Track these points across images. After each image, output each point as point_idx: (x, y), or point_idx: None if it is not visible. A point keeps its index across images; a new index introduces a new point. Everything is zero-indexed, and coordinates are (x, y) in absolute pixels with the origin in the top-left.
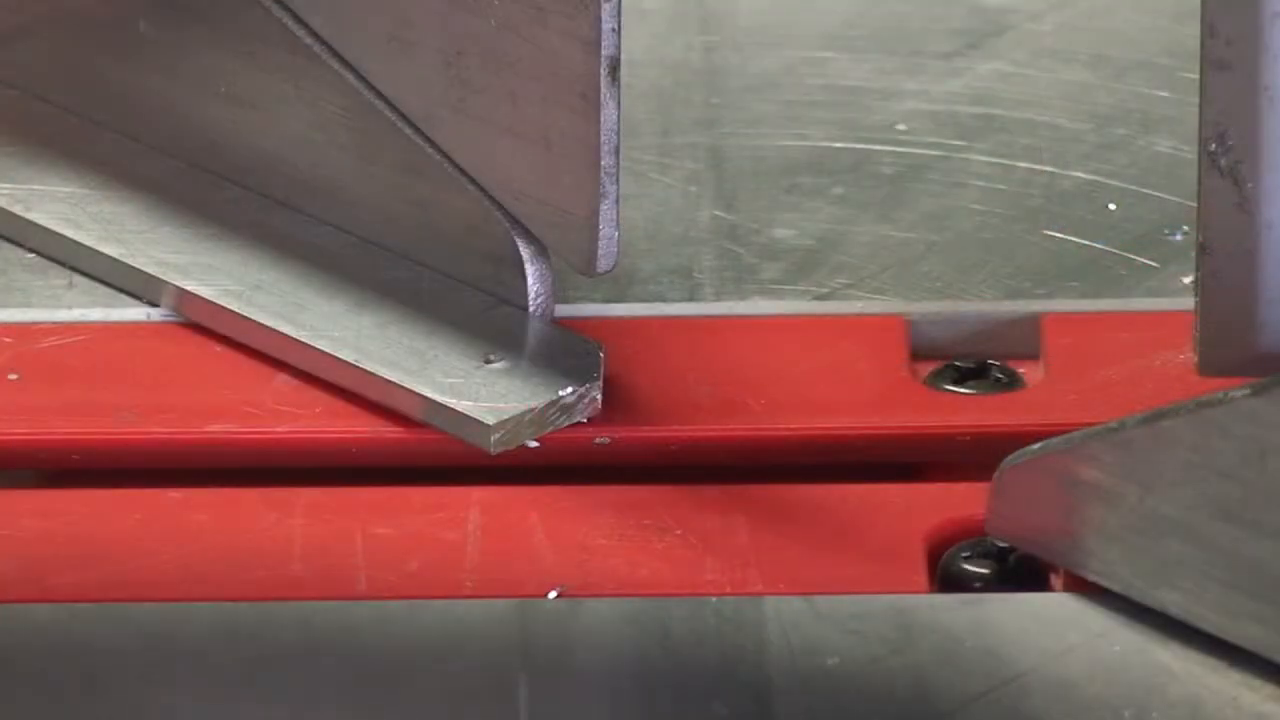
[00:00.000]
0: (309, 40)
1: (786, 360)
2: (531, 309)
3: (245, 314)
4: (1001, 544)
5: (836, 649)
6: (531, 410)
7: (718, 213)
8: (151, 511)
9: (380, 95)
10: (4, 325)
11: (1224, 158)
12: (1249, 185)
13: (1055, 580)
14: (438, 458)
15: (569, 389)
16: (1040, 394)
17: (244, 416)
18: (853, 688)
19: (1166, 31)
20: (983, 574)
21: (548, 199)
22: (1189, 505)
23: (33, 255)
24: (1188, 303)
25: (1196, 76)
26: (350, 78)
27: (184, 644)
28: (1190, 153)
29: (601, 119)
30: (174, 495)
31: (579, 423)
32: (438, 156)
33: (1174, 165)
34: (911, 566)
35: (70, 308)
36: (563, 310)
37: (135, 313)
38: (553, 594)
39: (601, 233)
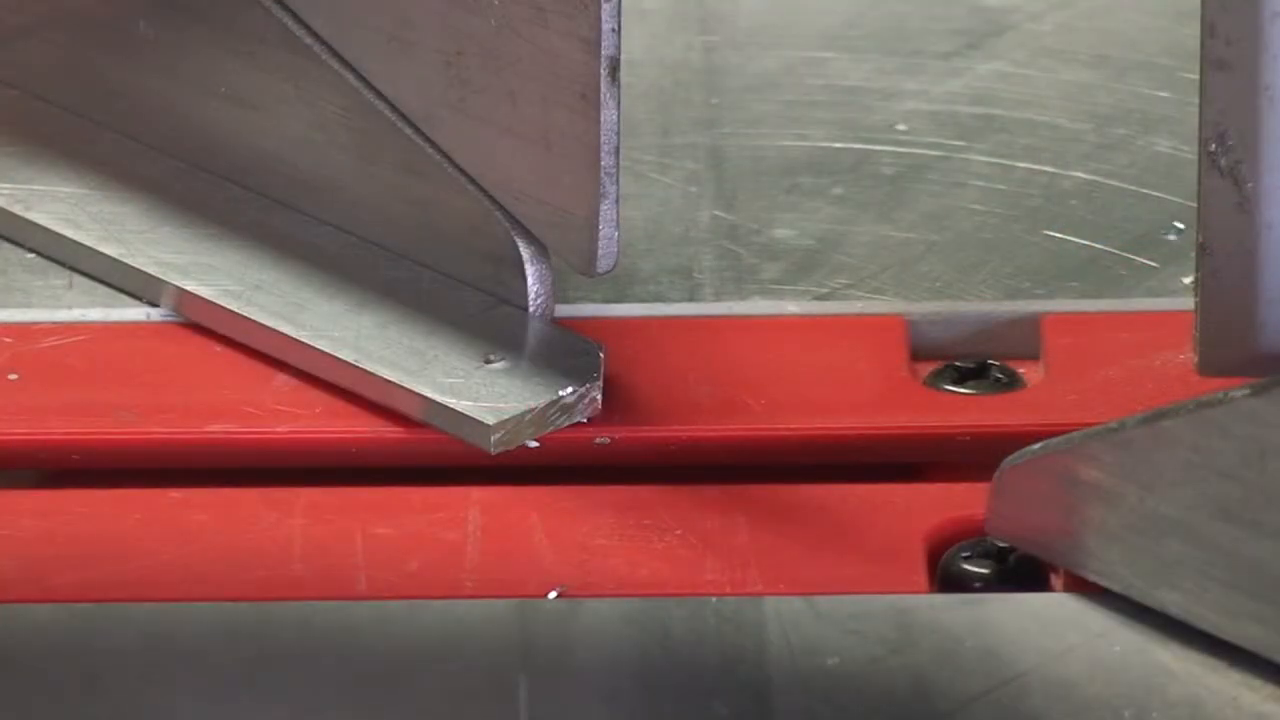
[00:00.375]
0: (309, 40)
1: (786, 360)
2: (531, 309)
3: (245, 314)
4: (1001, 544)
5: (836, 649)
6: (531, 410)
7: (718, 213)
8: (151, 511)
9: (380, 95)
10: (4, 325)
11: (1224, 158)
12: (1249, 185)
13: (1055, 580)
14: (438, 458)
15: (569, 389)
16: (1040, 394)
17: (244, 416)
18: (853, 688)
19: (1166, 31)
20: (983, 574)
21: (548, 199)
22: (1189, 505)
23: (33, 255)
24: (1188, 303)
25: (1196, 76)
26: (350, 78)
27: (184, 644)
28: (1190, 153)
29: (601, 119)
30: (174, 495)
31: (579, 423)
32: (438, 156)
33: (1174, 165)
34: (911, 566)
35: (70, 308)
36: (563, 310)
37: (135, 313)
38: (553, 594)
39: (601, 233)
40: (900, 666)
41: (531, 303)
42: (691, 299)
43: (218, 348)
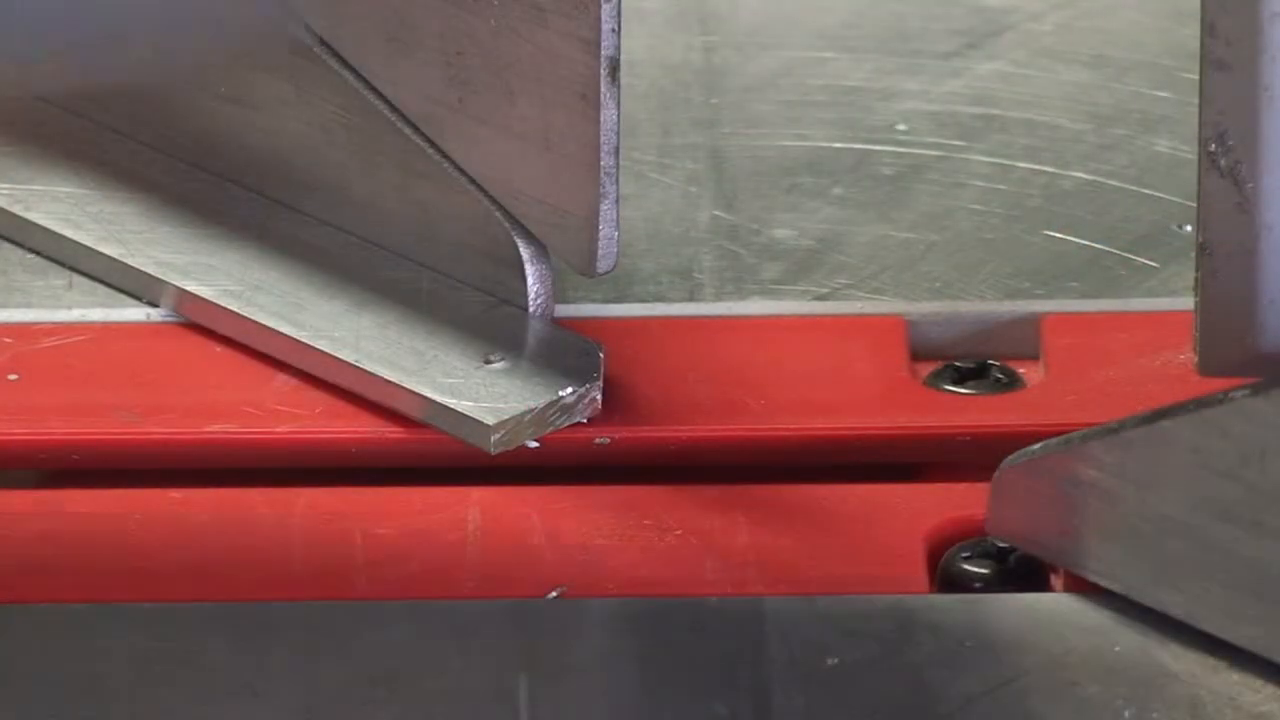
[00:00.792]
0: (309, 40)
1: (786, 360)
2: (531, 309)
3: (245, 314)
4: (1001, 544)
5: (836, 649)
6: (531, 410)
7: (718, 213)
8: (151, 511)
9: (380, 95)
10: (4, 325)
11: (1224, 158)
12: (1249, 185)
13: (1055, 580)
14: (438, 458)
15: (569, 389)
16: (1040, 394)
17: (244, 416)
18: (853, 688)
19: (1166, 31)
20: (983, 574)
21: (548, 199)
22: (1189, 505)
23: (33, 255)
24: (1188, 303)
25: (1196, 76)
26: (350, 78)
27: (184, 644)
28: (1190, 153)
29: (601, 119)
30: (174, 495)
31: (579, 423)
32: (437, 157)
33: (1174, 165)
34: (911, 566)
35: (70, 308)
36: (563, 310)
37: (135, 313)
38: (553, 594)
39: (601, 233)
40: (900, 666)
41: (531, 303)
42: (691, 299)
43: (218, 348)
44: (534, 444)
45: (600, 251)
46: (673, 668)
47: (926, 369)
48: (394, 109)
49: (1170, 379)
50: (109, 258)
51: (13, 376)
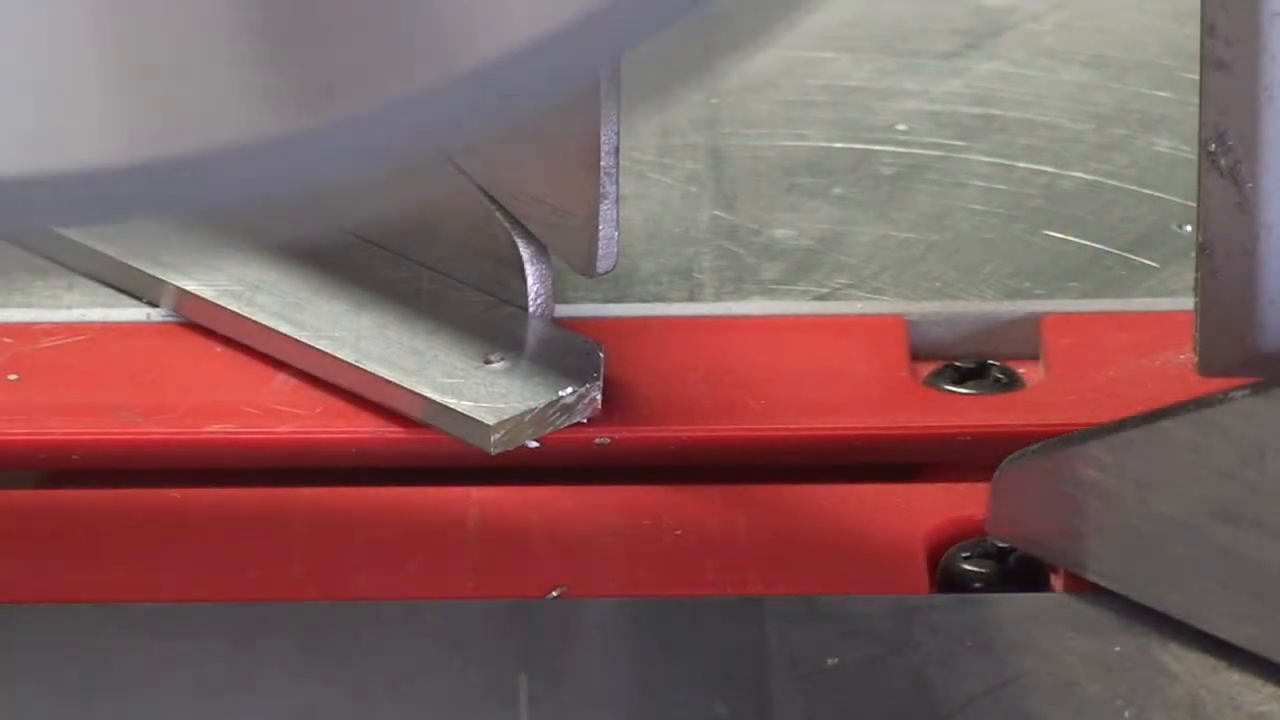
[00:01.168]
0: None
1: (786, 360)
2: (531, 309)
3: (245, 314)
4: (1001, 544)
5: (836, 649)
6: (531, 410)
7: (718, 213)
8: (151, 511)
9: None
10: (4, 325)
11: (1224, 158)
12: (1249, 185)
13: (1055, 580)
14: (438, 458)
15: (569, 389)
16: (1040, 394)
17: (244, 416)
18: (853, 688)
19: (1166, 31)
20: (983, 574)
21: (548, 199)
22: (1189, 505)
23: (33, 255)
24: (1188, 303)
25: (1196, 76)
26: None
27: (184, 644)
28: (1190, 153)
29: (601, 119)
30: (174, 495)
31: (579, 423)
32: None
33: (1174, 165)
34: (911, 566)
35: (70, 308)
36: (563, 310)
37: (135, 313)
38: (553, 594)
39: (601, 233)
40: (900, 666)
41: (531, 303)
42: (691, 299)
43: (218, 348)
44: (534, 444)
45: (600, 251)
46: (673, 668)
47: (926, 369)
48: None
49: (1170, 379)
50: (109, 258)
51: (13, 376)
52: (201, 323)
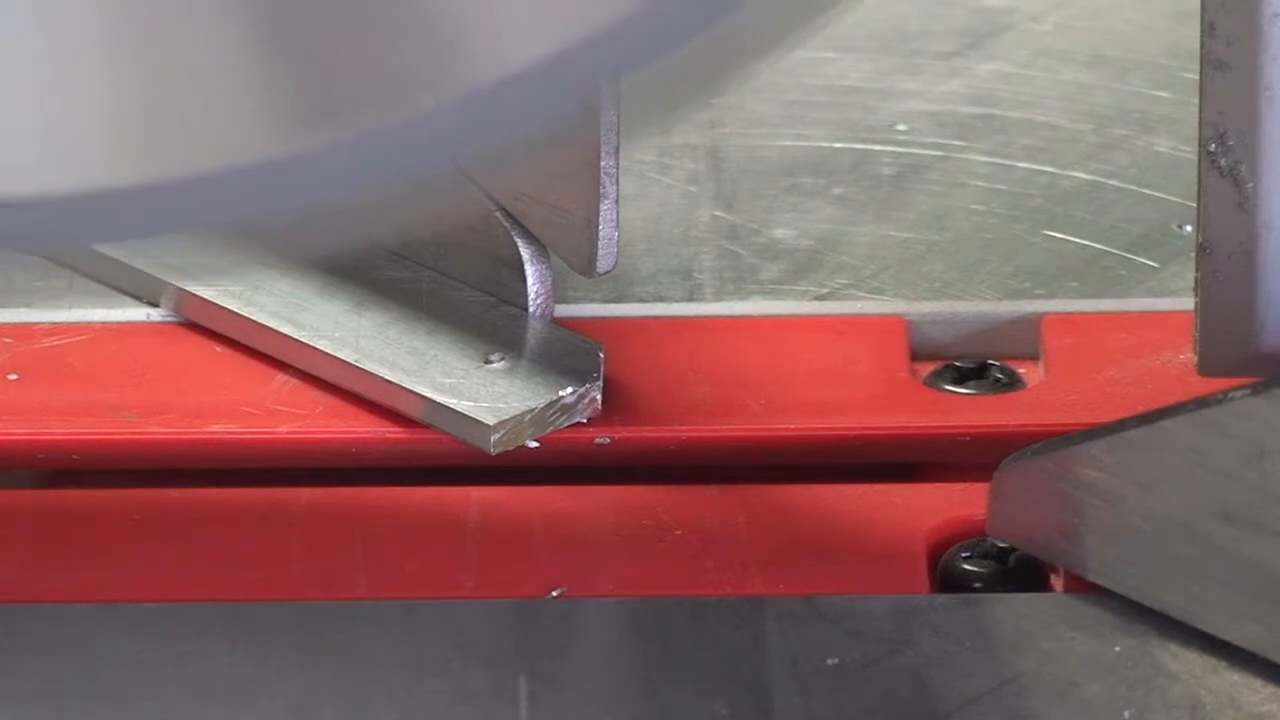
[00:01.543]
0: None
1: (786, 360)
2: (531, 309)
3: (245, 314)
4: (1001, 544)
5: (836, 649)
6: (531, 410)
7: (718, 213)
8: (151, 511)
9: None
10: (4, 325)
11: (1224, 158)
12: (1249, 185)
13: (1055, 580)
14: (438, 458)
15: (569, 389)
16: (1040, 394)
17: (244, 416)
18: (853, 688)
19: (1166, 31)
20: (983, 574)
21: (548, 199)
22: (1189, 505)
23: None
24: (1188, 303)
25: (1196, 76)
26: None
27: (184, 644)
28: (1190, 153)
29: (601, 119)
30: (174, 495)
31: (579, 423)
32: None
33: (1174, 165)
34: (911, 566)
35: (70, 308)
36: (563, 310)
37: (135, 313)
38: (553, 594)
39: (601, 233)
40: (900, 666)
41: (531, 303)
42: (691, 299)
43: (218, 348)
44: (534, 444)
45: (600, 251)
46: (673, 668)
47: (926, 369)
48: None
49: (1170, 379)
50: (109, 258)
51: (13, 376)
52: (201, 323)
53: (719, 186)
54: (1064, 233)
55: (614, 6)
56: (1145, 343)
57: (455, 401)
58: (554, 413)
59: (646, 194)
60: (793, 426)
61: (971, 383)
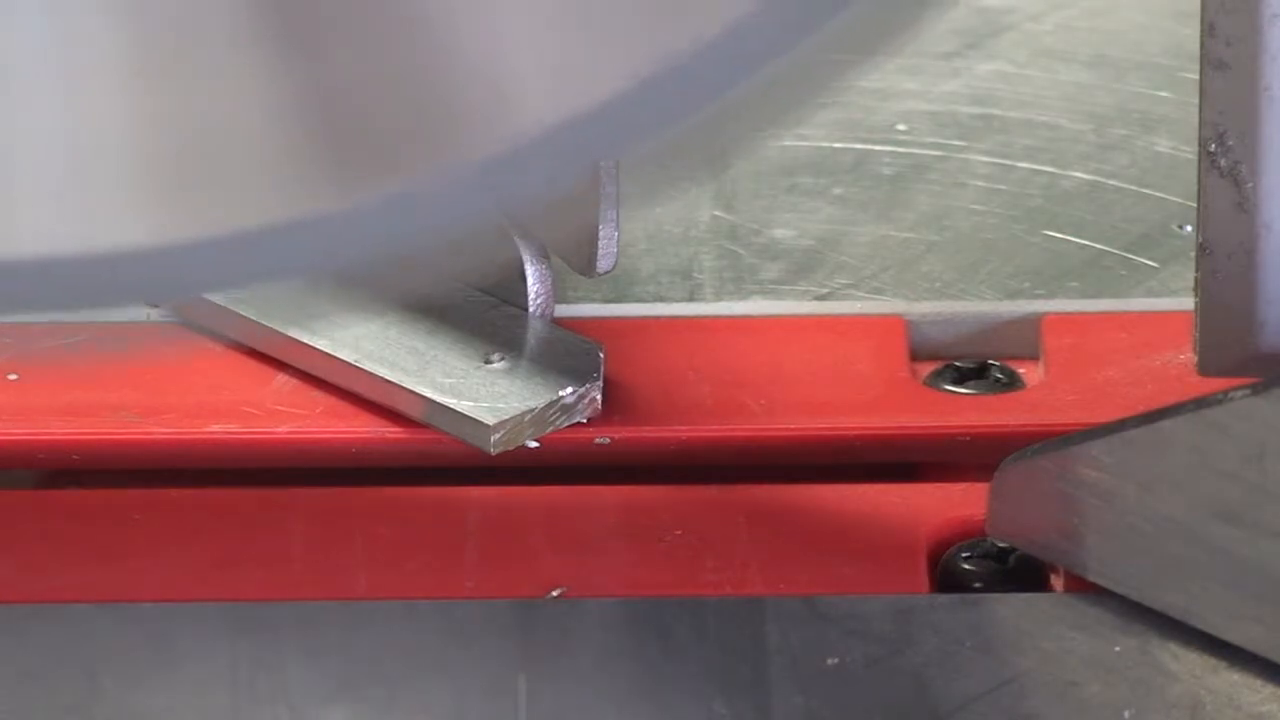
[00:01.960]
0: None
1: (786, 360)
2: (531, 309)
3: (245, 314)
4: (1001, 544)
5: (836, 649)
6: (531, 410)
7: (718, 213)
8: (151, 511)
9: None
10: (4, 325)
11: (1224, 158)
12: (1249, 185)
13: (1055, 580)
14: (438, 458)
15: (569, 389)
16: (1040, 394)
17: (244, 416)
18: (853, 688)
19: (1166, 31)
20: (983, 574)
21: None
22: (1189, 505)
23: None
24: (1188, 303)
25: (1196, 76)
26: None
27: (184, 644)
28: (1190, 153)
29: None
30: (174, 495)
31: (579, 423)
32: None
33: (1174, 165)
34: (911, 566)
35: None
36: (563, 310)
37: (135, 313)
38: (553, 594)
39: (601, 233)
40: (900, 666)
41: (531, 303)
42: (691, 299)
43: (218, 348)
44: (534, 444)
45: (600, 251)
46: (673, 668)
47: (926, 369)
48: None
49: (1170, 379)
50: None
51: (13, 376)
52: (201, 323)
53: (719, 186)
54: (1064, 233)
55: (634, 69)
56: (1145, 343)
57: (455, 401)
58: (554, 413)
59: None
60: (793, 426)
61: (971, 383)
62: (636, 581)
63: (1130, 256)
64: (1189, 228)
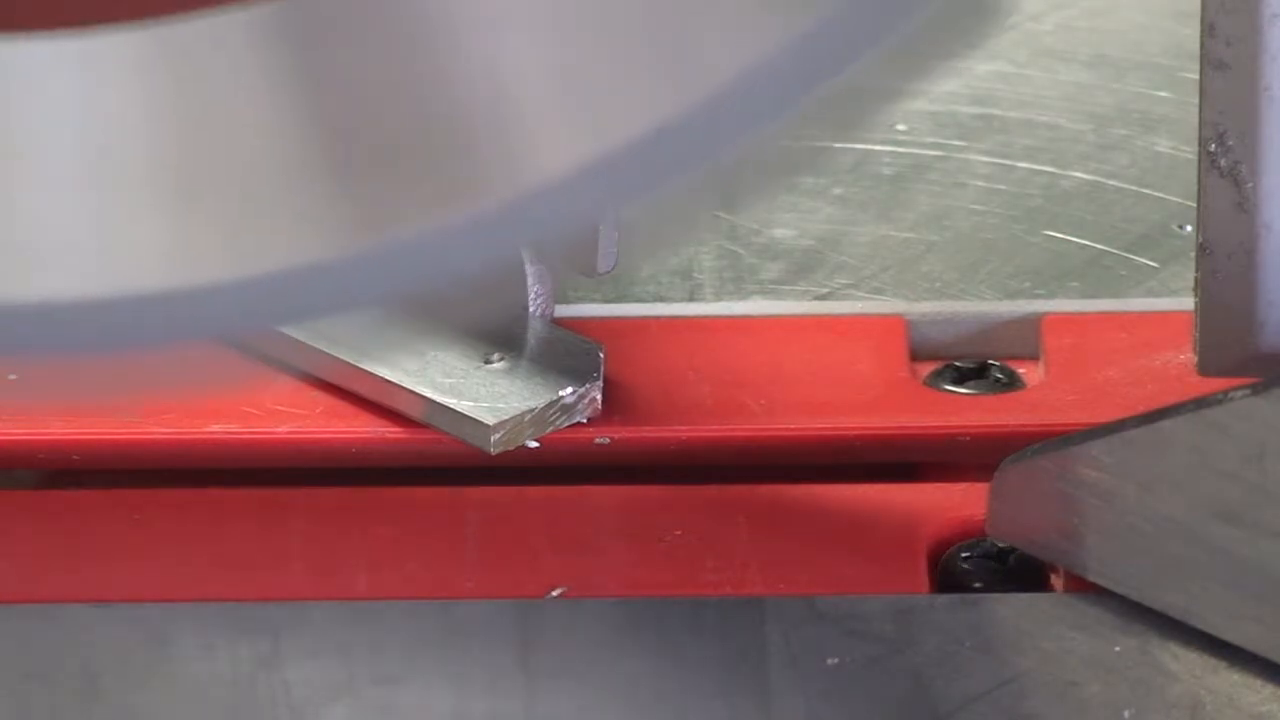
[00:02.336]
0: None
1: (786, 360)
2: (531, 309)
3: None
4: (1001, 544)
5: (836, 649)
6: (531, 410)
7: (718, 213)
8: (151, 511)
9: None
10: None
11: (1224, 158)
12: (1249, 185)
13: (1055, 580)
14: (438, 458)
15: (569, 389)
16: (1040, 394)
17: (244, 416)
18: (853, 688)
19: (1166, 31)
20: (983, 574)
21: None
22: (1189, 505)
23: None
24: (1188, 303)
25: (1196, 76)
26: None
27: (184, 644)
28: (1190, 153)
29: None
30: (174, 495)
31: (579, 423)
32: None
33: (1174, 165)
34: (911, 566)
35: None
36: (563, 310)
37: None
38: (553, 594)
39: (601, 233)
40: (900, 666)
41: (531, 303)
42: (691, 299)
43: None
44: (534, 444)
45: (600, 251)
46: (673, 668)
47: (926, 369)
48: None
49: (1170, 379)
50: None
51: (13, 376)
52: None
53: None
54: (1064, 233)
55: (651, 114)
56: (1145, 343)
57: (455, 401)
58: (554, 413)
59: None
60: (793, 426)
61: (971, 383)
62: (636, 581)
63: (1130, 256)
64: (1189, 228)
